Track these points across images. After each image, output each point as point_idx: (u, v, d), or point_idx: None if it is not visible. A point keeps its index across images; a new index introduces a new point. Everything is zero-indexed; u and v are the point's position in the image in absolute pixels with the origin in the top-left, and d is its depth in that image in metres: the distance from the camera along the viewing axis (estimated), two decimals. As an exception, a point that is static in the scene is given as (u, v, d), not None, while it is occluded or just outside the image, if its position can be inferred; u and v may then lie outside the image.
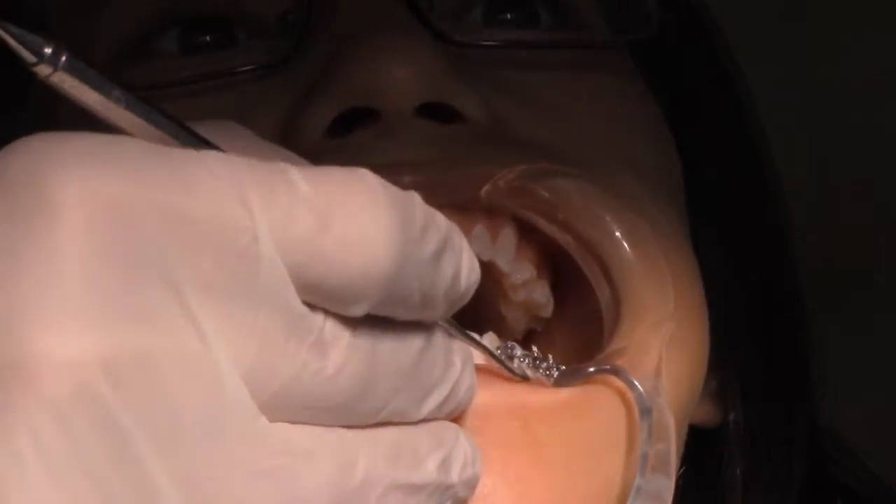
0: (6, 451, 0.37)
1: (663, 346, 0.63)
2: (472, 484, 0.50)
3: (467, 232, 0.64)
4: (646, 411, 0.61)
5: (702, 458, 0.75)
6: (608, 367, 0.62)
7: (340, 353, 0.43)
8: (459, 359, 0.50)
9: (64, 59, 0.40)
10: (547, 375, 0.62)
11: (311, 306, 0.42)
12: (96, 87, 0.41)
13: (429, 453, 0.48)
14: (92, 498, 0.38)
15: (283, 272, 0.41)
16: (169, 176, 0.40)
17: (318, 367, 0.42)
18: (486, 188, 0.64)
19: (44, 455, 0.37)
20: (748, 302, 0.78)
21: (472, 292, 0.48)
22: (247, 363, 0.41)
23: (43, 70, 0.40)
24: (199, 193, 0.40)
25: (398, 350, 0.46)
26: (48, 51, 0.39)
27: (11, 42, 0.39)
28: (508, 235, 0.67)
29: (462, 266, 0.48)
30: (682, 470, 0.67)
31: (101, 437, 0.38)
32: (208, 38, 0.69)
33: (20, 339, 0.38)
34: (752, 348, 0.78)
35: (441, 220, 0.46)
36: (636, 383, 0.62)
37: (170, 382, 0.39)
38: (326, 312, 0.43)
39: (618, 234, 0.65)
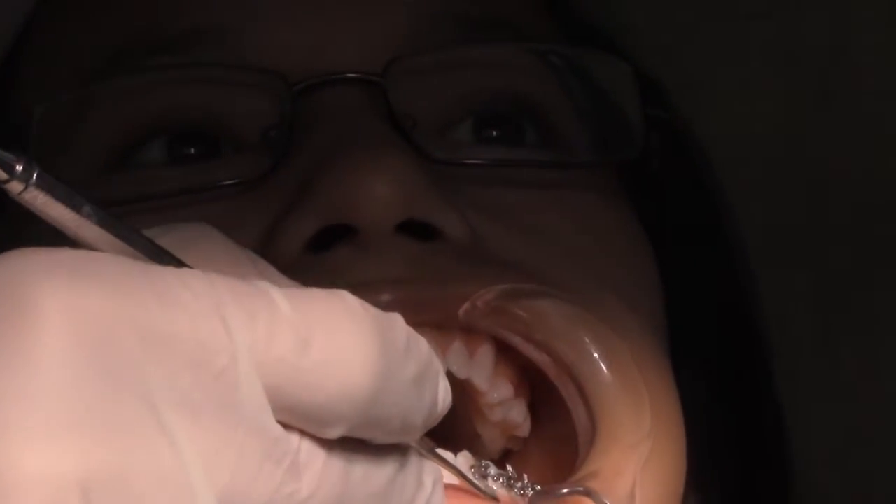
0: None
1: (638, 468, 0.63)
2: None
3: (444, 348, 0.65)
4: None
5: None
6: (581, 488, 0.61)
7: (314, 476, 0.43)
8: (430, 479, 0.49)
9: (35, 175, 0.40)
10: (521, 495, 0.61)
11: (287, 426, 0.42)
12: (68, 204, 0.41)
13: None
14: None
15: (261, 393, 0.41)
16: (149, 293, 0.40)
17: (292, 490, 0.42)
18: (464, 307, 0.64)
19: None
20: (728, 424, 0.78)
21: (442, 416, 0.48)
22: (221, 484, 0.40)
23: (14, 187, 0.40)
24: (178, 312, 0.40)
25: (372, 472, 0.45)
26: (19, 167, 0.39)
27: None
28: (486, 353, 0.66)
29: (440, 390, 0.47)
30: None
31: None
32: (193, 150, 0.70)
33: None
34: (733, 470, 0.78)
35: (422, 344, 0.46)
36: None
37: (145, 502, 0.39)
38: (302, 433, 0.43)
39: (595, 355, 0.64)
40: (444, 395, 0.48)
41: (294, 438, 0.42)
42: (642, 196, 0.77)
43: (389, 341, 0.44)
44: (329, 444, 0.43)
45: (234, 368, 0.40)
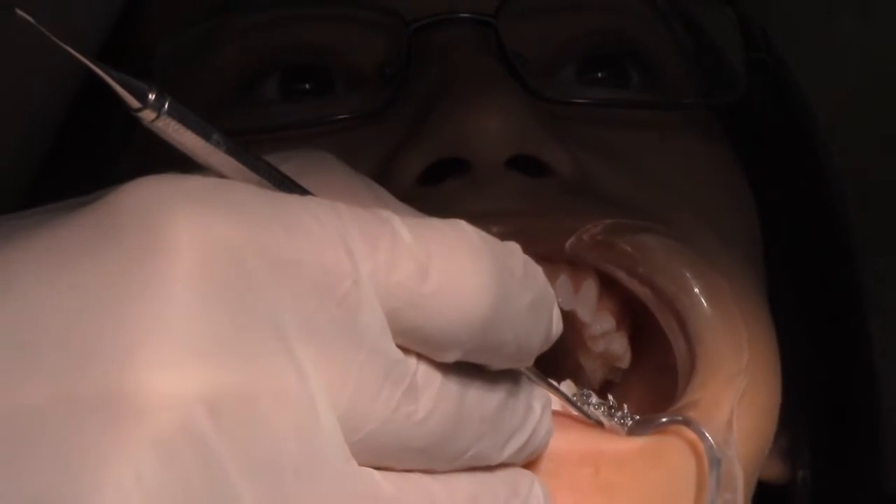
0: (111, 483, 0.37)
1: (735, 400, 0.64)
2: None
3: (551, 281, 0.63)
4: (715, 462, 0.62)
5: None
6: (680, 418, 0.62)
7: (431, 398, 0.44)
8: (539, 404, 0.50)
9: (167, 104, 0.41)
10: (621, 424, 0.62)
11: (406, 350, 0.43)
12: (197, 132, 0.42)
13: (505, 502, 0.48)
14: None
15: (382, 318, 0.42)
16: (276, 221, 0.41)
17: (408, 411, 0.43)
18: (570, 241, 0.65)
19: (146, 488, 0.38)
20: (822, 362, 0.78)
21: (554, 341, 0.49)
22: (343, 405, 0.41)
23: (147, 115, 0.41)
24: (304, 239, 0.41)
25: (485, 396, 0.46)
26: (152, 96, 0.40)
27: (116, 87, 0.40)
28: (590, 287, 0.67)
29: (554, 318, 0.48)
30: None
31: (202, 472, 0.38)
32: (307, 85, 0.71)
33: (128, 374, 0.38)
34: (824, 409, 0.78)
35: (539, 272, 0.47)
36: (707, 435, 0.62)
37: (269, 421, 0.40)
38: (419, 356, 0.44)
39: (696, 290, 0.65)
40: (557, 321, 0.49)
41: (412, 362, 0.43)
42: (744, 139, 0.77)
43: (506, 269, 0.45)
44: (445, 368, 0.44)
45: (356, 293, 0.41)
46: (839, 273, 0.81)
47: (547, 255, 0.64)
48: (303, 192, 0.44)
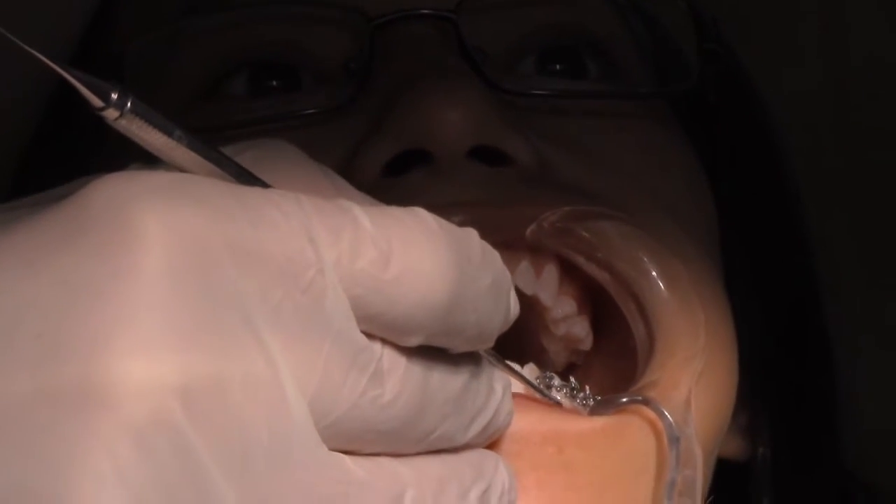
0: (88, 472, 0.38)
1: (693, 380, 0.64)
2: None
3: (512, 268, 0.66)
4: (674, 440, 0.62)
5: (732, 490, 0.75)
6: (640, 397, 0.63)
7: (397, 382, 0.44)
8: (500, 386, 0.51)
9: (129, 102, 0.41)
10: (583, 405, 0.63)
11: (370, 336, 0.44)
12: (160, 129, 0.42)
13: (472, 484, 0.49)
14: None
15: (346, 305, 0.43)
16: (241, 213, 0.41)
17: (375, 395, 0.43)
18: (531, 228, 0.66)
19: (122, 476, 0.38)
20: (778, 341, 0.79)
21: (512, 323, 0.50)
22: (312, 391, 0.42)
23: (110, 114, 0.41)
24: (268, 230, 0.42)
25: (448, 379, 0.47)
26: (114, 95, 0.41)
27: (80, 87, 0.41)
28: (551, 272, 0.68)
29: (511, 300, 0.49)
30: (710, 499, 0.67)
31: (176, 460, 0.39)
32: (275, 82, 0.71)
33: (101, 363, 0.38)
34: (782, 386, 0.79)
35: (496, 257, 0.48)
36: (666, 413, 0.63)
37: (241, 408, 0.40)
38: (384, 342, 0.44)
39: (654, 273, 0.66)
40: (514, 303, 0.49)
41: (377, 347, 0.44)
42: (698, 127, 0.78)
43: (464, 253, 0.45)
44: (409, 352, 0.45)
45: (321, 282, 0.42)
46: (794, 257, 0.81)
47: (508, 241, 0.65)
48: (263, 184, 0.45)
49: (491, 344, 0.49)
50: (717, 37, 0.74)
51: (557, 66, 0.73)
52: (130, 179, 0.41)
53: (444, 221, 0.46)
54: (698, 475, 0.62)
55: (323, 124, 0.68)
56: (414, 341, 0.45)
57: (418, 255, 0.44)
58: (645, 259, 0.66)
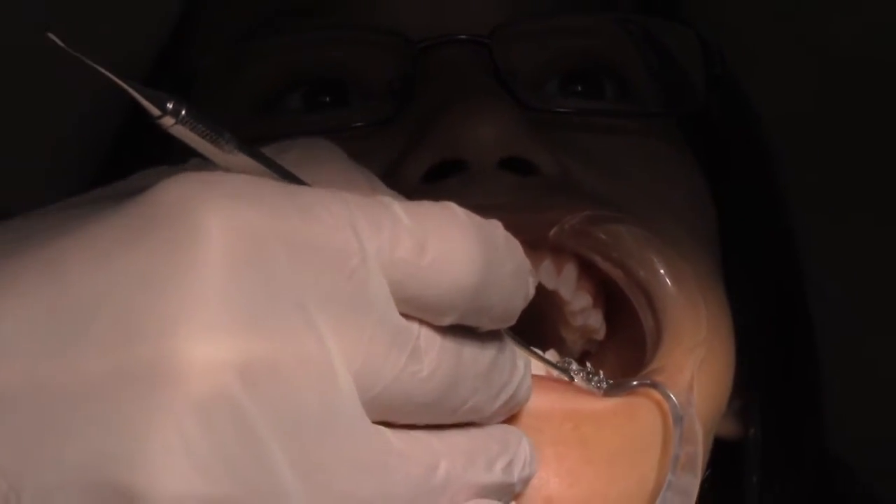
0: (159, 443, 0.40)
1: (695, 366, 0.66)
2: (528, 480, 0.53)
3: (536, 265, 0.68)
4: (678, 419, 0.64)
5: (725, 466, 0.77)
6: (649, 381, 0.65)
7: (433, 357, 0.46)
8: (522, 363, 0.53)
9: (183, 111, 0.43)
10: (598, 387, 0.65)
11: (408, 317, 0.46)
12: (211, 135, 0.44)
13: (497, 457, 0.51)
14: (229, 486, 0.41)
15: (387, 289, 0.45)
16: (294, 211, 0.43)
17: (414, 370, 0.46)
18: (553, 230, 0.67)
19: (188, 447, 0.40)
20: (770, 335, 0.81)
21: (529, 301, 0.52)
22: (357, 367, 0.43)
23: (167, 121, 0.43)
24: (317, 224, 0.43)
25: (478, 354, 0.49)
26: (170, 105, 0.43)
27: (139, 98, 0.42)
28: (570, 270, 0.70)
29: (530, 282, 0.52)
30: (707, 473, 0.69)
31: (236, 431, 0.40)
32: (327, 98, 0.73)
33: (169, 346, 0.40)
34: (772, 375, 0.80)
35: (517, 245, 0.50)
36: (671, 396, 0.65)
37: (294, 384, 0.42)
38: (421, 322, 0.46)
39: (662, 271, 0.68)
40: (532, 286, 0.52)
41: (414, 327, 0.46)
42: (702, 143, 0.79)
43: (491, 242, 0.47)
44: (443, 331, 0.47)
45: (364, 269, 0.44)
46: (783, 259, 0.83)
47: (533, 242, 0.66)
48: (305, 184, 0.47)
49: (513, 322, 0.51)
50: (721, 63, 0.75)
51: (578, 88, 0.75)
52: (196, 181, 0.43)
53: (472, 214, 0.48)
54: (699, 451, 0.64)
55: (369, 136, 0.69)
56: (448, 320, 0.47)
57: (450, 243, 0.46)
58: (654, 259, 0.68)
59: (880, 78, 0.74)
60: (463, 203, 0.60)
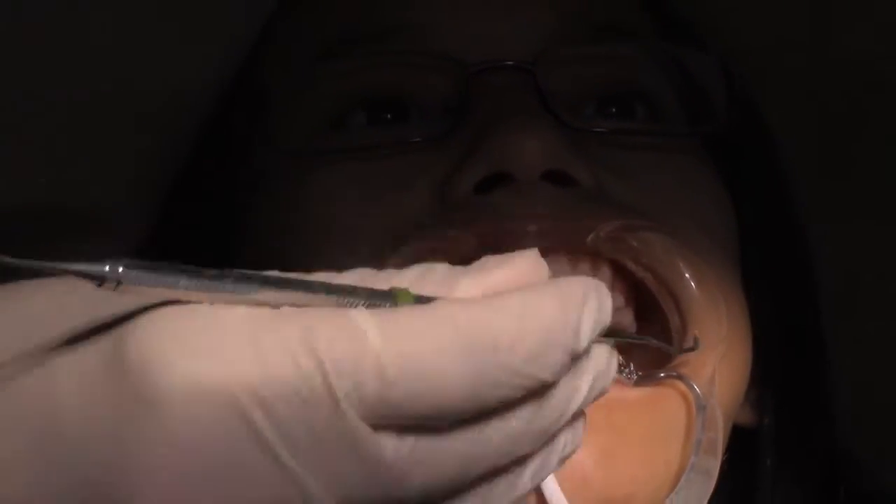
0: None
1: (717, 360, 0.69)
2: (566, 459, 0.50)
3: (575, 269, 0.71)
4: (701, 408, 0.67)
5: (742, 450, 0.79)
6: (675, 373, 0.68)
7: (431, 466, 0.43)
8: (587, 379, 0.47)
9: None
10: (629, 379, 0.68)
11: (405, 428, 0.43)
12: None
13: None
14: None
15: (362, 425, 0.42)
16: (254, 361, 0.41)
17: (408, 482, 0.43)
18: (590, 237, 0.70)
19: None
20: (784, 334, 0.83)
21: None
22: (341, 496, 0.42)
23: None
24: (282, 369, 0.41)
25: (501, 426, 0.44)
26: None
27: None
28: (605, 273, 0.72)
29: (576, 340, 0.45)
30: (726, 456, 0.70)
31: None
32: (388, 115, 0.76)
33: None
34: (786, 370, 0.82)
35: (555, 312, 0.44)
36: (695, 387, 0.67)
37: None
38: (417, 434, 0.43)
39: (687, 275, 0.70)
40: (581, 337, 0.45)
41: (406, 444, 0.43)
42: (723, 160, 0.81)
43: (486, 345, 0.42)
44: (446, 430, 0.44)
45: (336, 409, 0.41)
46: (797, 263, 0.84)
47: (572, 247, 0.70)
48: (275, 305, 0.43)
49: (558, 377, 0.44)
50: (741, 86, 0.77)
51: (613, 109, 0.77)
52: (161, 335, 0.41)
53: (472, 304, 0.43)
54: (719, 436, 0.67)
55: (426, 150, 0.72)
56: (445, 426, 0.43)
57: (423, 365, 0.42)
58: (680, 264, 0.70)
59: (888, 96, 0.75)
60: (509, 212, 0.67)
